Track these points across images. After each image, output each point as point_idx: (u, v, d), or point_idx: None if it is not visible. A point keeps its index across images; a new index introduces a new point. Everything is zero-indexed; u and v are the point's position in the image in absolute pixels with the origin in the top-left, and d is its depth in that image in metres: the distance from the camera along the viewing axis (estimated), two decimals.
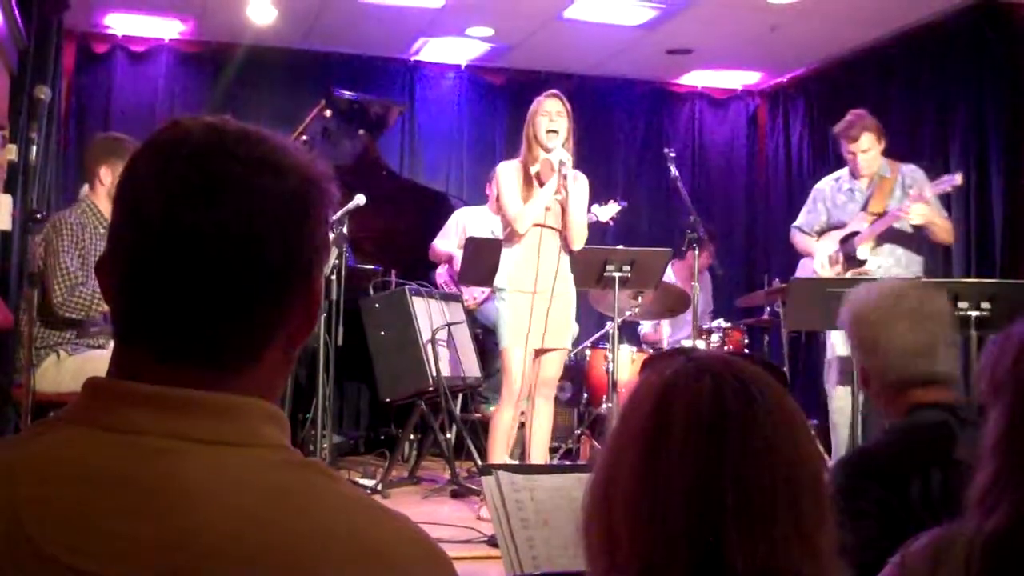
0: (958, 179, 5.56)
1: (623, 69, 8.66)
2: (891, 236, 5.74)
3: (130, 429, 0.96)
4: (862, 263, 5.74)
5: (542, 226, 5.13)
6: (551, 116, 5.08)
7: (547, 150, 5.07)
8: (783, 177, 8.94)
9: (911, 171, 5.90)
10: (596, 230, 8.43)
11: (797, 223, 6.24)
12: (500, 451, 5.09)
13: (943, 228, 5.71)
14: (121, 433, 0.96)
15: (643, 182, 8.90)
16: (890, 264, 5.73)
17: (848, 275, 5.71)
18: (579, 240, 5.19)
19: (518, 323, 5.07)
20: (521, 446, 5.72)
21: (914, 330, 2.35)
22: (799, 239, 6.20)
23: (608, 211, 6.46)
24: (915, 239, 5.77)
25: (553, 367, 5.24)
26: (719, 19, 7.30)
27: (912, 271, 5.72)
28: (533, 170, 5.15)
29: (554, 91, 5.19)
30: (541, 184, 5.11)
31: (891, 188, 5.82)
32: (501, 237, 5.33)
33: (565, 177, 5.04)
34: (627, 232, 8.57)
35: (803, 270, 7.27)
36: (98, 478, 0.93)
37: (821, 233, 6.06)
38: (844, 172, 6.04)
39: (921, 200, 5.54)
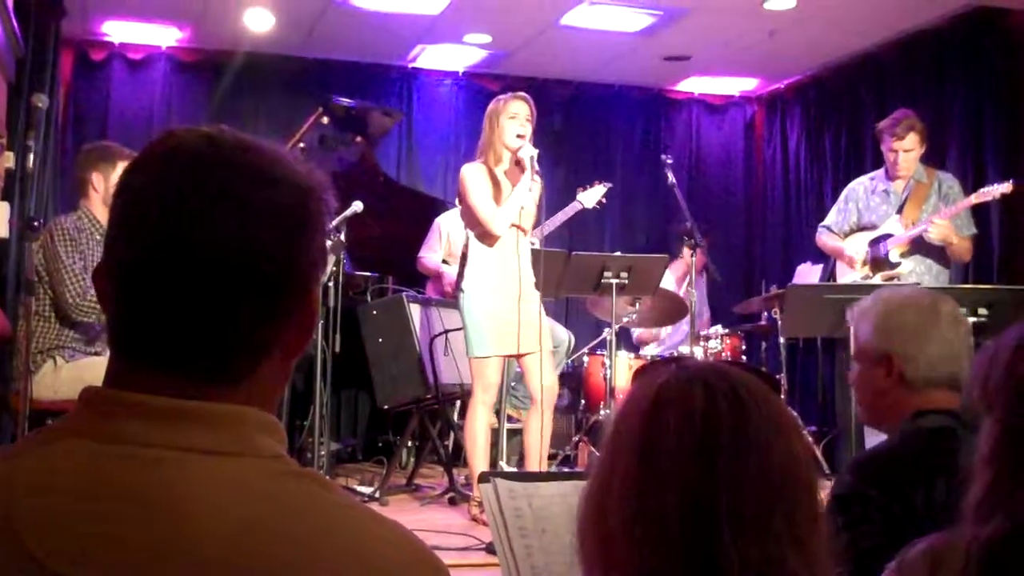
0: (1006, 187, 5.44)
1: (620, 76, 8.67)
2: (923, 243, 5.67)
3: (126, 440, 0.96)
4: (895, 266, 5.67)
5: (517, 227, 5.11)
6: (520, 120, 5.04)
7: (513, 152, 5.05)
8: (780, 183, 8.95)
9: (948, 179, 5.84)
10: (594, 234, 8.49)
11: (825, 223, 6.13)
12: (482, 458, 5.07)
13: (960, 248, 5.65)
14: (118, 444, 0.96)
15: (640, 189, 8.89)
16: (921, 271, 5.67)
17: (877, 278, 5.66)
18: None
19: (499, 328, 5.02)
20: (519, 453, 5.72)
21: (957, 334, 2.40)
22: (827, 239, 6.09)
23: (593, 195, 6.07)
24: (945, 249, 5.71)
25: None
26: (716, 26, 7.31)
27: (940, 280, 5.66)
28: (499, 171, 5.11)
29: (520, 93, 5.16)
30: (514, 182, 5.07)
31: (927, 194, 5.74)
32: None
33: (538, 173, 5.02)
34: (624, 238, 8.60)
35: (801, 276, 7.29)
36: (95, 489, 0.94)
37: (848, 234, 5.97)
38: (879, 172, 5.97)
39: (944, 217, 5.51)
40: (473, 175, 5.11)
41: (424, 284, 6.92)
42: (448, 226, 6.80)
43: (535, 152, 5.01)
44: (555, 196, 6.10)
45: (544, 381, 5.12)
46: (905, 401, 2.35)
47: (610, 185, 6.05)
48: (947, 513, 2.08)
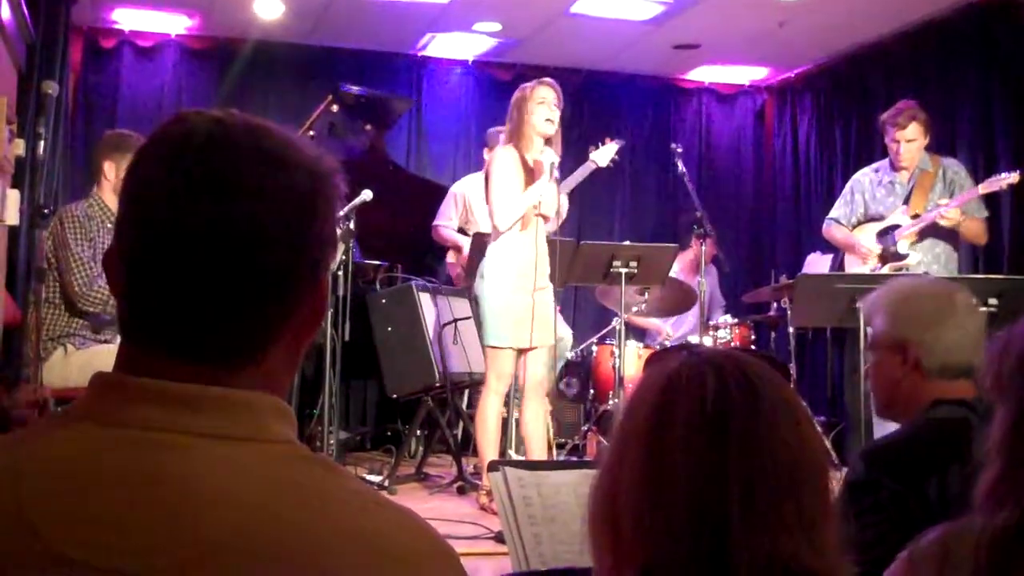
0: (1014, 177, 5.42)
1: (630, 64, 8.65)
2: (932, 232, 5.65)
3: (137, 424, 0.96)
4: (903, 257, 5.65)
5: (538, 215, 5.07)
6: (549, 105, 5.00)
7: (546, 137, 5.03)
8: (790, 172, 8.93)
9: (953, 165, 5.83)
10: (603, 222, 8.48)
11: (832, 215, 6.10)
12: (492, 447, 5.07)
13: (972, 231, 5.63)
14: (128, 428, 0.96)
15: (650, 178, 8.89)
16: (929, 260, 5.65)
17: (885, 269, 5.65)
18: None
19: (516, 320, 4.99)
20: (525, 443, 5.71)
21: (972, 323, 2.38)
22: (835, 231, 6.06)
23: (606, 153, 5.48)
24: (954, 237, 5.69)
25: (544, 367, 5.15)
26: (727, 14, 7.29)
27: (950, 269, 5.65)
28: (530, 158, 5.07)
29: (548, 79, 5.12)
30: (537, 175, 5.04)
31: (932, 183, 5.73)
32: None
33: (558, 181, 5.00)
34: (633, 228, 8.59)
35: (810, 266, 7.28)
36: (105, 474, 0.93)
37: (856, 226, 5.96)
38: (884, 163, 5.95)
39: (951, 207, 5.50)
40: (502, 159, 5.08)
41: (435, 271, 6.92)
42: (465, 190, 6.75)
43: (556, 159, 5.00)
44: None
45: (535, 375, 5.10)
46: (921, 390, 2.34)
47: (623, 142, 5.66)
48: (960, 503, 2.07)
